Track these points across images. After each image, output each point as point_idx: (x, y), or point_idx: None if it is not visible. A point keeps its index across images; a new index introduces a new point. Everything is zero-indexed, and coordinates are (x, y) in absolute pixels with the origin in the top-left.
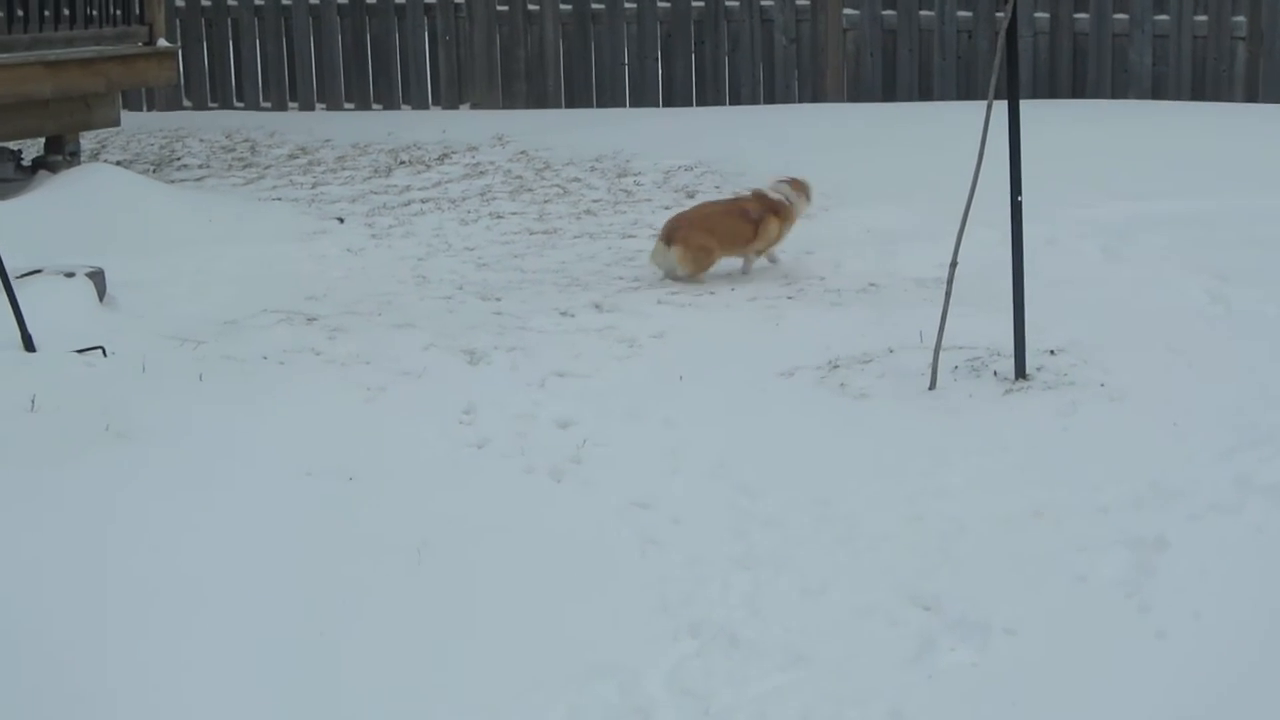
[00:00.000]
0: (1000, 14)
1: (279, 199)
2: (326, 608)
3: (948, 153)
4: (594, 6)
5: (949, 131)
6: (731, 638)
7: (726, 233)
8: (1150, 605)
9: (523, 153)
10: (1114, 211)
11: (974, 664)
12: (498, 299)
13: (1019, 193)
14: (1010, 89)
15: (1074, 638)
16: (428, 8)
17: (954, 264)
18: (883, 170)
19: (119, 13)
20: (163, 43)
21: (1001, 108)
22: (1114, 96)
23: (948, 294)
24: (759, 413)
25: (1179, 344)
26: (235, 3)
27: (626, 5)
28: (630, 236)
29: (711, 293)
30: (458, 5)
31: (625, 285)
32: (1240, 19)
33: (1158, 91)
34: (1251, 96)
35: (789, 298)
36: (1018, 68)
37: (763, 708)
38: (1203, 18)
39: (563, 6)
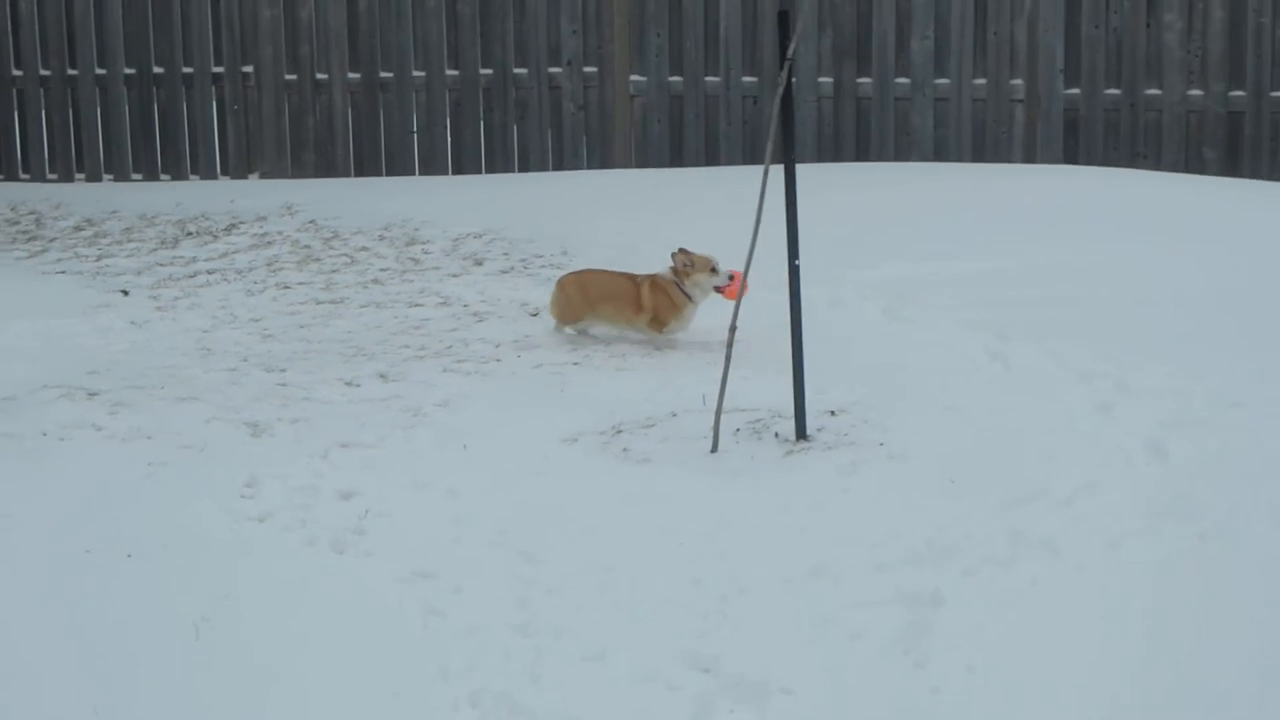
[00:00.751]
0: (781, 80)
1: (63, 272)
2: (103, 684)
3: (734, 217)
4: (382, 75)
5: (735, 195)
6: (512, 706)
7: (603, 286)
8: (926, 661)
9: (311, 222)
10: (896, 272)
11: None
12: (282, 370)
13: (796, 256)
14: (787, 153)
15: (851, 695)
16: (215, 77)
17: (733, 328)
18: (669, 234)
19: None
20: None
21: (780, 172)
22: (897, 159)
23: (728, 357)
24: (542, 480)
25: (958, 402)
26: (20, 73)
27: (414, 73)
28: (417, 305)
29: (498, 360)
30: (245, 74)
31: (411, 354)
32: (1018, 82)
33: (939, 153)
34: (1029, 157)
35: (574, 364)
36: (794, 132)
37: None
38: (981, 81)
39: (351, 75)
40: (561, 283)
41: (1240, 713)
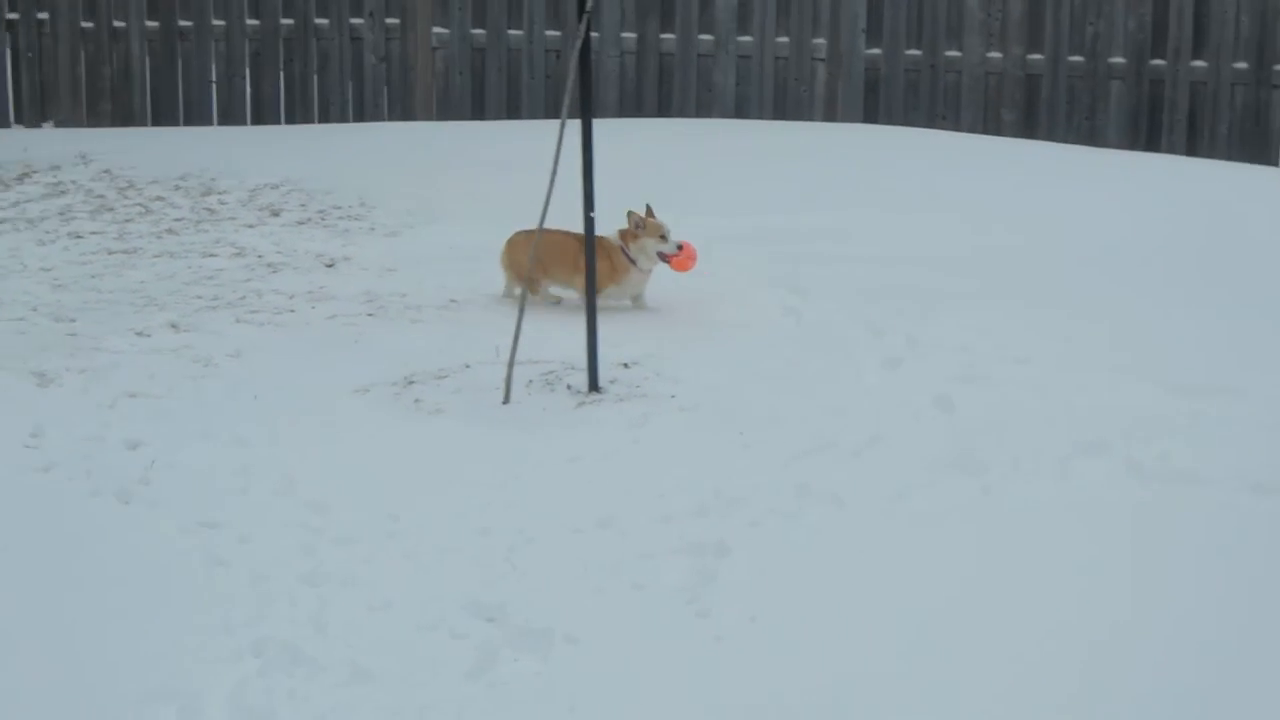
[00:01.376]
0: (578, 34)
1: None
2: None
3: (534, 170)
4: (181, 24)
5: (536, 149)
6: (295, 655)
7: (552, 246)
8: (709, 610)
9: (106, 171)
10: (695, 227)
11: (536, 673)
12: (72, 320)
13: (592, 209)
14: (584, 107)
15: (634, 644)
16: (10, 24)
17: (529, 279)
18: (469, 187)
19: None
20: None
21: (577, 126)
22: (699, 115)
23: (521, 309)
24: (332, 430)
25: (751, 356)
26: None
27: (214, 22)
28: (211, 255)
29: (292, 311)
30: (41, 21)
31: (204, 304)
32: (820, 41)
33: (741, 111)
34: (831, 116)
35: (369, 315)
36: (591, 86)
37: None
38: (784, 39)
39: (149, 23)
40: (512, 241)
41: (1010, 658)
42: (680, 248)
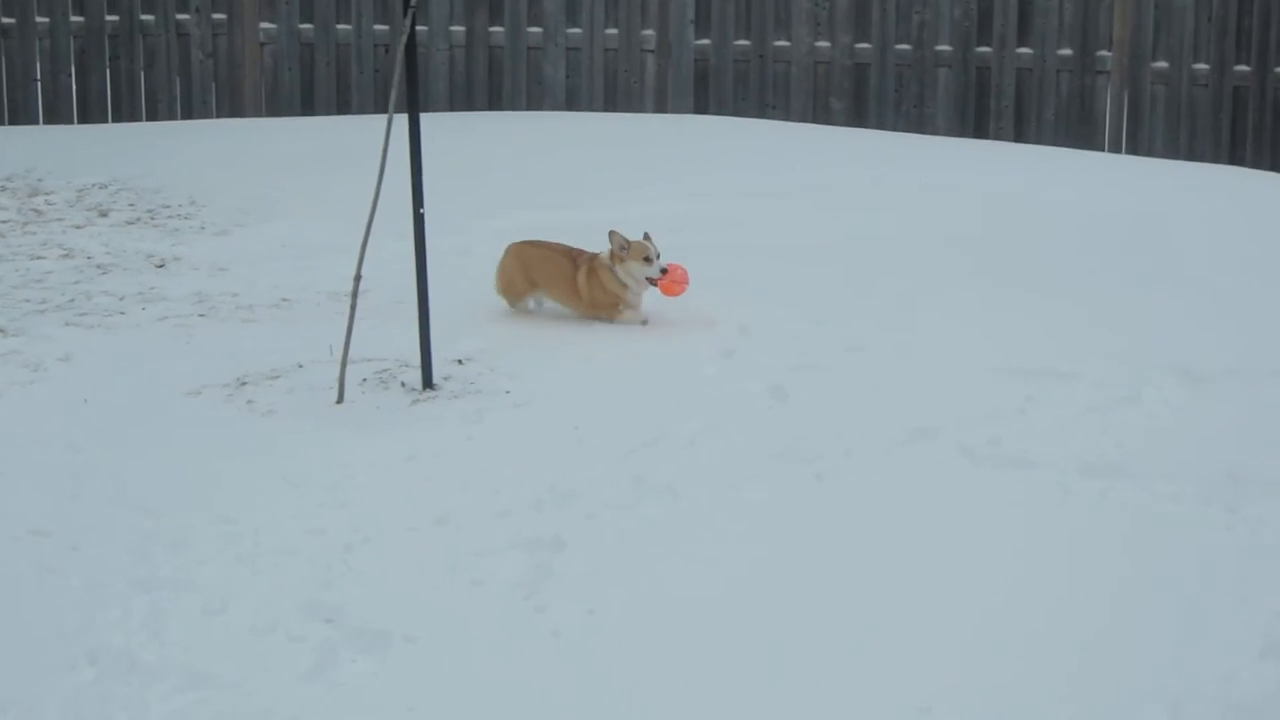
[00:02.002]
0: (403, 28)
1: None
2: None
3: (365, 166)
4: (4, 20)
5: (367, 144)
6: (131, 662)
7: (545, 264)
8: (546, 605)
9: None
10: (528, 221)
11: (374, 673)
12: None
13: (421, 205)
14: (411, 101)
15: (472, 641)
16: None
17: (358, 277)
18: (300, 184)
19: None
20: None
21: (405, 121)
22: (529, 108)
23: (353, 307)
24: (164, 433)
25: (585, 349)
26: None
27: (38, 19)
28: (39, 258)
29: (122, 313)
30: None
31: (32, 308)
32: (649, 32)
33: (571, 103)
34: (660, 107)
35: (200, 315)
36: (418, 80)
37: None
38: (614, 31)
39: None
40: (506, 256)
41: (842, 640)
42: (665, 271)
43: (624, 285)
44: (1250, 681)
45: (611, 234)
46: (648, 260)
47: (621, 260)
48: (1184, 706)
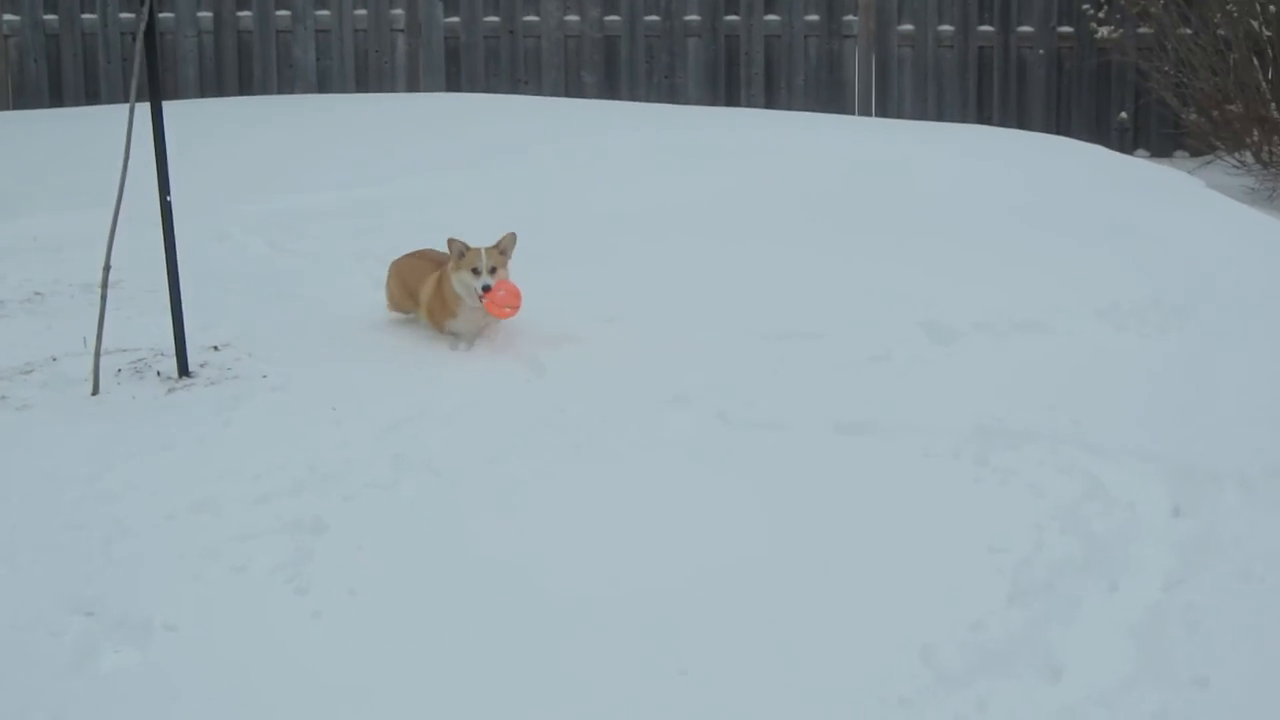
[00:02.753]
0: (142, 15)
1: None
2: None
3: (114, 157)
4: None
5: (116, 134)
6: None
7: (416, 273)
8: (308, 587)
9: None
10: (282, 205)
11: (138, 663)
12: None
13: (168, 192)
14: (153, 89)
15: (234, 626)
16: None
17: (107, 267)
18: (49, 177)
19: None
20: None
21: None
22: (281, 92)
23: (103, 297)
24: None
25: (341, 331)
26: None
27: None
28: None
29: None
30: None
31: None
32: (399, 12)
33: (323, 85)
34: (413, 86)
35: None
36: (159, 67)
37: None
38: (363, 11)
39: None
40: (389, 273)
41: (601, 610)
42: (487, 289)
43: (458, 297)
44: (998, 628)
45: (450, 241)
46: (475, 272)
47: (456, 269)
48: (935, 652)
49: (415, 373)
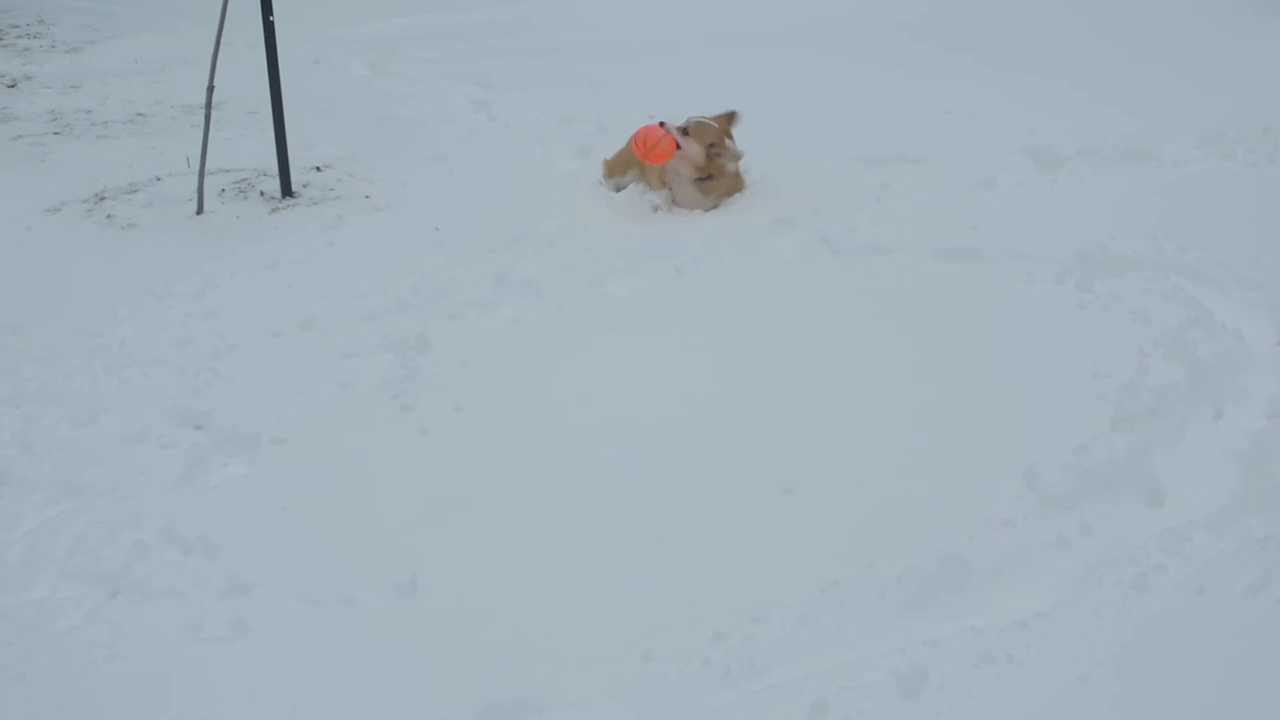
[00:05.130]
0: None
1: None
2: None
3: None
4: None
5: None
6: (2, 476)
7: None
8: (414, 404)
9: None
10: (379, 28)
11: (245, 476)
12: None
13: (270, 13)
14: None
15: (340, 441)
16: None
17: (210, 88)
18: (146, 0)
19: None
20: None
21: None
22: None
23: (207, 118)
24: (25, 250)
25: (443, 151)
26: None
27: None
28: None
29: None
30: None
31: None
32: None
33: None
34: None
35: (55, 133)
36: None
37: (34, 540)
38: None
39: None
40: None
41: (707, 426)
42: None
43: (675, 171)
44: (1102, 453)
45: (660, 124)
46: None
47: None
48: (1039, 476)
49: (517, 193)
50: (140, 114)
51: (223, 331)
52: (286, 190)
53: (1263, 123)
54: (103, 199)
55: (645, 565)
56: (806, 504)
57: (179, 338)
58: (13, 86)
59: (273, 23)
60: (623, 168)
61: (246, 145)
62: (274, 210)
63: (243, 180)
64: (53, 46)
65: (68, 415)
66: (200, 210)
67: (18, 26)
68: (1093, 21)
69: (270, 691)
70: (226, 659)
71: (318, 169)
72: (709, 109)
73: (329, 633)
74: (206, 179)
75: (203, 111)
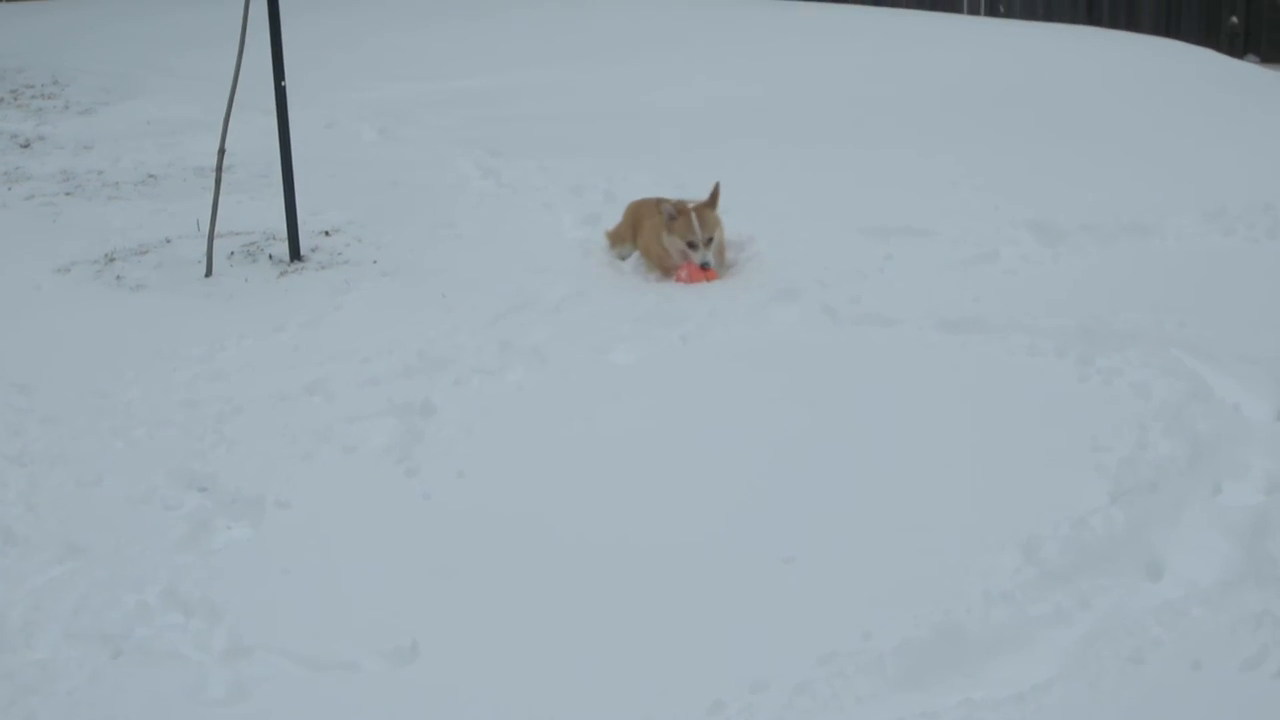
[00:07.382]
0: None
1: None
2: None
3: (226, 42)
4: None
5: (227, 19)
6: (6, 535)
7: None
8: (417, 469)
9: None
10: (392, 94)
11: (249, 539)
12: None
13: (282, 78)
14: None
15: (344, 505)
16: None
17: (222, 151)
18: (163, 62)
19: None
20: None
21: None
22: None
23: (218, 181)
24: (34, 310)
25: (451, 218)
26: None
27: None
28: None
29: None
30: None
31: None
32: None
33: None
34: None
35: (67, 193)
36: None
37: (38, 600)
38: None
39: None
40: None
41: (706, 493)
42: (705, 267)
43: (665, 251)
44: (1100, 526)
45: (661, 201)
46: (691, 245)
47: (670, 232)
48: (1037, 548)
49: (524, 260)
50: (151, 175)
51: (229, 394)
52: (295, 254)
53: (1264, 198)
54: (113, 260)
55: (644, 633)
56: (806, 573)
57: (185, 399)
58: (26, 146)
59: (284, 88)
60: (621, 239)
61: (256, 208)
62: (282, 274)
63: (252, 243)
64: (66, 107)
65: (73, 475)
66: (209, 273)
67: (32, 86)
68: (1106, 96)
69: None
70: None
71: (326, 233)
72: (716, 174)
73: (329, 697)
74: (216, 241)
75: (214, 174)
